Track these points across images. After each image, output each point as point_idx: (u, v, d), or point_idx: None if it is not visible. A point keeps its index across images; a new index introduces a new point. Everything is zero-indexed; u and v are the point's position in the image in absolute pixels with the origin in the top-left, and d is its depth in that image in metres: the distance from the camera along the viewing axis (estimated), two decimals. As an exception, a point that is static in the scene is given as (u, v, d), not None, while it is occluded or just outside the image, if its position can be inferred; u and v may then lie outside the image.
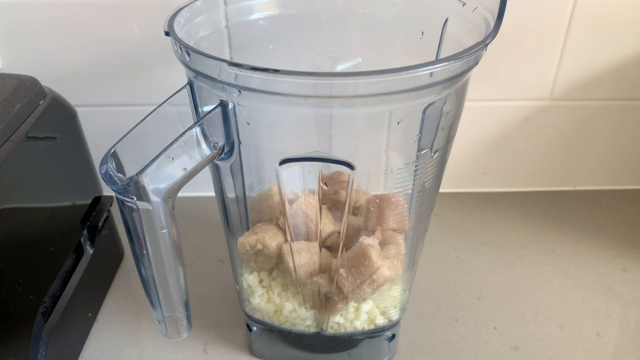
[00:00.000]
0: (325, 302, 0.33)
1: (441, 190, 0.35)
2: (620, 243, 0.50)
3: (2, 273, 0.31)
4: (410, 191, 0.31)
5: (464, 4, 0.30)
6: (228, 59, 0.32)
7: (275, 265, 0.35)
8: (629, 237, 0.51)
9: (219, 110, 0.26)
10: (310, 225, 0.31)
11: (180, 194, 0.27)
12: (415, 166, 0.29)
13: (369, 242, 0.30)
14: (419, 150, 0.28)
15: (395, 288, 0.35)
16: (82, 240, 0.41)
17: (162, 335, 0.31)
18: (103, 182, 0.25)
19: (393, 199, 0.31)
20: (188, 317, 0.31)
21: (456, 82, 0.26)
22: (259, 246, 0.33)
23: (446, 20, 0.31)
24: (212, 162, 0.28)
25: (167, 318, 0.30)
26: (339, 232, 0.32)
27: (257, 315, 0.36)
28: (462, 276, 0.47)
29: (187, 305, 0.30)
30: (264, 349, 0.39)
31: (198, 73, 0.26)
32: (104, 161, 0.25)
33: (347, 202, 0.29)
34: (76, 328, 0.40)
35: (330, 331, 0.35)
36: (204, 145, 0.26)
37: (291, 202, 0.30)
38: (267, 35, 0.36)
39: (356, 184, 0.28)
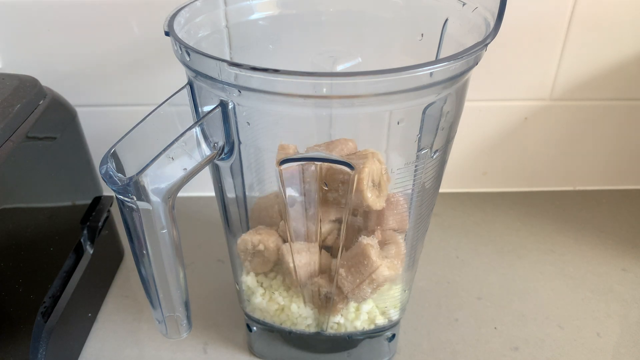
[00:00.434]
0: (325, 302, 0.33)
1: (441, 190, 0.35)
2: (620, 243, 0.50)
3: (2, 273, 0.31)
4: (410, 191, 0.31)
5: (464, 4, 0.30)
6: (228, 59, 0.32)
7: (270, 268, 0.35)
8: (629, 237, 0.51)
9: (219, 110, 0.26)
10: (310, 226, 0.31)
11: (180, 194, 0.27)
12: (415, 166, 0.29)
13: (368, 241, 0.30)
14: (419, 150, 0.28)
15: (395, 288, 0.35)
16: (82, 240, 0.41)
17: (162, 335, 0.31)
18: (103, 182, 0.25)
19: (393, 199, 0.31)
20: (188, 317, 0.31)
21: (456, 82, 0.26)
22: (261, 247, 0.33)
23: (446, 20, 0.31)
24: (212, 162, 0.28)
25: (167, 318, 0.30)
26: (338, 232, 0.32)
27: (257, 315, 0.36)
28: (462, 276, 0.47)
29: (187, 305, 0.30)
30: (264, 349, 0.39)
31: (198, 73, 0.26)
32: (104, 161, 0.25)
33: (347, 202, 0.29)
34: (76, 328, 0.40)
35: (330, 331, 0.35)
36: (204, 145, 0.26)
37: (291, 202, 0.30)
38: (267, 35, 0.36)
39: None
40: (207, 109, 0.27)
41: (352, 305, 0.34)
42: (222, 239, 0.36)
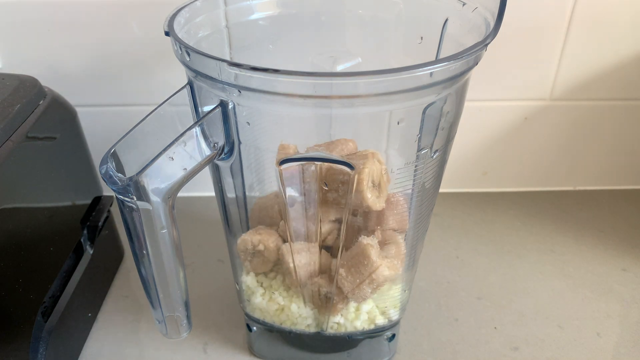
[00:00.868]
0: (325, 302, 0.33)
1: (441, 190, 0.35)
2: (620, 243, 0.50)
3: (2, 273, 0.31)
4: (410, 191, 0.31)
5: (464, 4, 0.30)
6: (228, 59, 0.32)
7: (270, 268, 0.35)
8: (629, 237, 0.51)
9: (219, 110, 0.26)
10: (310, 226, 0.31)
11: (180, 194, 0.27)
12: (415, 166, 0.29)
13: (368, 241, 0.30)
14: (419, 150, 0.28)
15: (395, 288, 0.35)
16: (82, 240, 0.41)
17: (162, 335, 0.31)
18: (103, 182, 0.25)
19: (393, 199, 0.31)
20: (188, 317, 0.31)
21: (456, 82, 0.26)
22: (261, 247, 0.33)
23: (446, 20, 0.31)
24: (212, 162, 0.28)
25: (167, 318, 0.30)
26: (338, 232, 0.32)
27: (257, 315, 0.36)
28: (462, 276, 0.47)
29: (187, 305, 0.30)
30: (264, 349, 0.39)
31: (198, 73, 0.26)
32: (104, 161, 0.25)
33: (347, 202, 0.29)
34: (76, 328, 0.40)
35: (330, 331, 0.35)
36: (204, 145, 0.26)
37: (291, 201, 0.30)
38: (267, 35, 0.36)
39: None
40: (207, 109, 0.27)
41: (352, 305, 0.34)
42: (222, 239, 0.37)
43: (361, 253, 0.30)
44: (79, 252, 0.41)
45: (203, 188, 0.56)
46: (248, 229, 0.34)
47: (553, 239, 0.51)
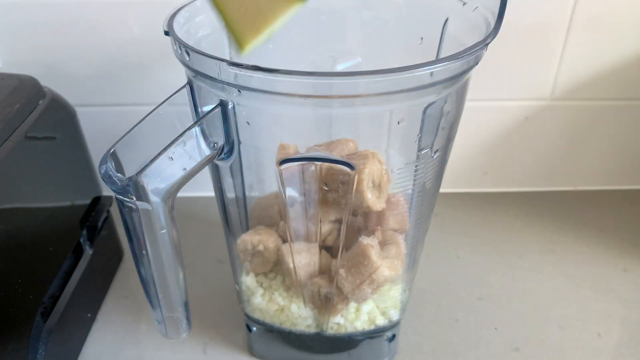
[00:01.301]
0: (325, 303, 0.33)
1: (441, 190, 0.35)
2: (620, 243, 0.50)
3: (2, 273, 0.31)
4: (410, 191, 0.31)
5: (464, 4, 0.30)
6: (228, 59, 0.32)
7: (270, 269, 0.35)
8: (629, 237, 0.51)
9: (218, 110, 0.26)
10: (310, 226, 0.31)
11: (180, 194, 0.27)
12: (416, 166, 0.29)
13: (368, 241, 0.30)
14: (419, 150, 0.28)
15: (396, 288, 0.35)
16: (81, 240, 0.41)
17: (162, 336, 0.31)
18: (102, 182, 0.25)
19: (393, 199, 0.31)
20: (188, 318, 0.30)
21: (456, 82, 0.26)
22: (260, 247, 0.33)
23: (446, 19, 0.31)
24: (212, 162, 0.28)
25: (167, 318, 0.30)
26: (338, 232, 0.32)
27: (257, 316, 0.36)
28: (462, 276, 0.47)
29: (186, 305, 0.30)
30: (264, 350, 0.39)
31: (198, 73, 0.26)
32: (103, 161, 0.25)
33: (347, 202, 0.28)
34: (76, 328, 0.40)
35: (330, 331, 0.35)
36: (203, 145, 0.26)
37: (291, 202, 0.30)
38: (267, 35, 0.36)
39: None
40: (207, 108, 0.27)
41: (353, 305, 0.34)
42: (222, 239, 0.36)
43: (361, 253, 0.30)
44: (78, 252, 0.41)
45: (203, 188, 0.56)
46: (248, 229, 0.34)
47: (553, 239, 0.51)
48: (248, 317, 0.38)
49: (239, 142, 0.28)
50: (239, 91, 0.25)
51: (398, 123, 0.27)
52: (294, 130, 0.29)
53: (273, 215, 0.34)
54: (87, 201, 0.42)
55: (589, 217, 0.53)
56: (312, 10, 0.36)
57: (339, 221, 0.32)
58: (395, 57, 0.36)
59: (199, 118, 0.26)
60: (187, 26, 0.30)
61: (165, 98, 0.28)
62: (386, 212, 0.31)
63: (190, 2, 0.31)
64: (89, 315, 0.42)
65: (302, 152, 0.28)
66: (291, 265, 0.32)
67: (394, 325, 0.37)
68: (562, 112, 0.52)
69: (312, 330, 0.35)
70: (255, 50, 0.36)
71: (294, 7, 0.23)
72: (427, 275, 0.47)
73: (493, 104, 0.52)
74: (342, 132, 0.30)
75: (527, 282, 0.46)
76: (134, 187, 0.24)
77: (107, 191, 0.41)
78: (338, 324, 0.34)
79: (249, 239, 0.33)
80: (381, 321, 0.35)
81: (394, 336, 0.38)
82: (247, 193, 0.33)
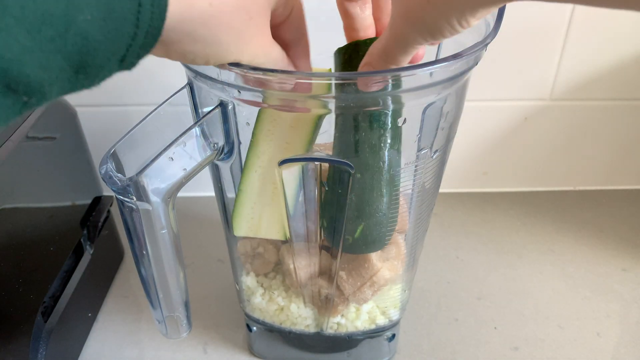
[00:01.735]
0: (325, 303, 0.33)
1: (441, 190, 0.35)
2: (620, 243, 0.50)
3: (2, 273, 0.31)
4: (410, 191, 0.31)
5: (463, 4, 0.30)
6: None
7: (271, 269, 0.35)
8: (629, 237, 0.51)
9: (218, 110, 0.26)
10: (310, 226, 0.31)
11: (180, 194, 0.27)
12: (415, 166, 0.29)
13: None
14: (419, 150, 0.28)
15: (395, 288, 0.35)
16: (82, 240, 0.41)
17: (162, 335, 0.31)
18: (103, 182, 0.25)
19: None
20: (188, 317, 0.30)
21: (456, 82, 0.26)
22: (261, 249, 0.33)
23: (446, 20, 0.31)
24: (212, 162, 0.28)
25: (167, 318, 0.30)
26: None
27: (257, 315, 0.36)
28: (462, 276, 0.47)
29: (187, 305, 0.30)
30: (264, 349, 0.39)
31: (198, 73, 0.26)
32: (103, 161, 0.25)
33: (347, 202, 0.28)
34: (76, 328, 0.40)
35: (330, 331, 0.35)
36: (204, 146, 0.26)
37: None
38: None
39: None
40: (207, 109, 0.27)
41: (353, 305, 0.34)
42: (222, 239, 0.36)
43: (362, 256, 0.30)
44: (79, 252, 0.41)
45: (203, 188, 0.56)
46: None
47: (553, 239, 0.51)
48: (248, 316, 0.38)
49: (239, 142, 0.28)
50: (239, 91, 0.25)
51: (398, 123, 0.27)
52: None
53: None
54: (88, 201, 0.43)
55: (589, 217, 0.54)
56: (312, 11, 0.36)
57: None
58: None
59: (199, 118, 0.26)
60: (187, 26, 0.30)
61: (165, 98, 0.28)
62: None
63: (191, 3, 0.31)
64: (90, 314, 0.42)
65: (303, 153, 0.28)
66: (291, 265, 0.32)
67: (393, 324, 0.37)
68: (561, 112, 0.52)
69: (312, 329, 0.35)
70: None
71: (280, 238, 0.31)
72: (426, 275, 0.47)
73: (493, 104, 0.52)
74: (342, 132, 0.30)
75: (526, 282, 0.46)
76: (135, 187, 0.24)
77: (107, 191, 0.41)
78: (338, 323, 0.34)
79: (249, 242, 0.33)
80: (381, 320, 0.35)
81: (393, 335, 0.38)
82: (247, 193, 0.33)
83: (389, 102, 0.25)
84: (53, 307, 0.36)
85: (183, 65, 0.27)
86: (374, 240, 0.30)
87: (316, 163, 0.28)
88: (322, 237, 0.31)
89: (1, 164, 0.31)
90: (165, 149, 0.25)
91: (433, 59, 0.30)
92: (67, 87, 0.17)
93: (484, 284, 0.46)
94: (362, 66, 0.24)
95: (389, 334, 0.37)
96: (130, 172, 0.25)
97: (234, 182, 0.32)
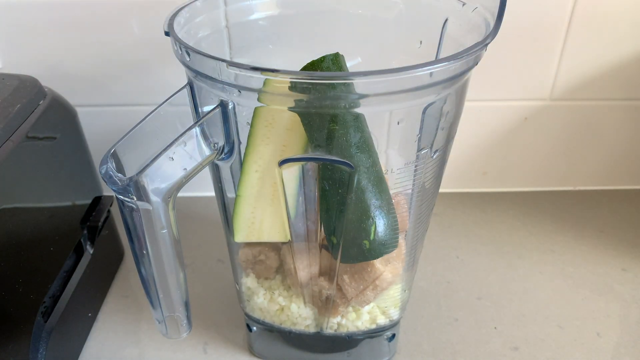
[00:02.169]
0: (326, 304, 0.33)
1: (441, 190, 0.35)
2: (620, 243, 0.50)
3: (2, 273, 0.31)
4: (410, 191, 0.31)
5: (463, 4, 0.30)
6: (228, 59, 0.32)
7: (273, 271, 0.35)
8: (629, 237, 0.51)
9: (219, 110, 0.26)
10: (310, 225, 0.31)
11: (180, 194, 0.27)
12: (415, 166, 0.29)
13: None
14: (419, 150, 0.28)
15: (396, 288, 0.35)
16: (82, 240, 0.41)
17: (162, 335, 0.31)
18: (103, 182, 0.25)
19: (393, 199, 0.31)
20: (188, 317, 0.31)
21: (456, 82, 0.26)
22: (262, 257, 0.33)
23: (446, 20, 0.31)
24: (212, 162, 0.28)
25: (167, 318, 0.30)
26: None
27: (257, 315, 0.36)
28: (462, 276, 0.47)
29: (187, 305, 0.30)
30: (264, 349, 0.39)
31: (198, 73, 0.26)
32: (104, 161, 0.25)
33: (347, 202, 0.28)
34: (76, 328, 0.40)
35: (330, 331, 0.35)
36: (203, 145, 0.26)
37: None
38: (267, 35, 0.36)
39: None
40: (207, 109, 0.27)
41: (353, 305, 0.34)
42: (222, 239, 0.36)
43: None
44: (79, 252, 0.41)
45: (203, 188, 0.56)
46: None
47: (553, 239, 0.51)
48: (248, 316, 0.38)
49: (239, 142, 0.28)
50: (239, 91, 0.25)
51: (398, 123, 0.27)
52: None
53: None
54: (88, 201, 0.43)
55: (589, 217, 0.54)
56: (312, 11, 0.36)
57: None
58: (395, 58, 0.36)
59: (200, 118, 0.26)
60: (187, 26, 0.30)
61: (165, 98, 0.28)
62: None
63: (191, 3, 0.31)
64: (90, 314, 0.42)
65: (303, 153, 0.28)
66: (292, 265, 0.32)
67: (393, 324, 0.37)
68: (561, 112, 0.52)
69: (312, 329, 0.35)
70: (255, 51, 0.37)
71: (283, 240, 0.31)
72: (427, 274, 0.47)
73: (493, 104, 0.52)
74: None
75: (526, 282, 0.46)
76: (135, 187, 0.24)
77: (107, 191, 0.41)
78: (339, 323, 0.34)
79: (249, 251, 0.33)
80: (381, 320, 0.35)
81: (393, 335, 0.38)
82: (247, 193, 0.33)
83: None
84: (53, 307, 0.36)
85: (183, 65, 0.27)
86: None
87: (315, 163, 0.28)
88: (323, 237, 0.31)
89: (1, 164, 0.31)
90: (165, 149, 0.25)
91: (433, 59, 0.31)
92: None
93: (484, 284, 0.46)
94: None
95: (389, 333, 0.37)
96: (130, 172, 0.25)
97: (234, 182, 0.32)
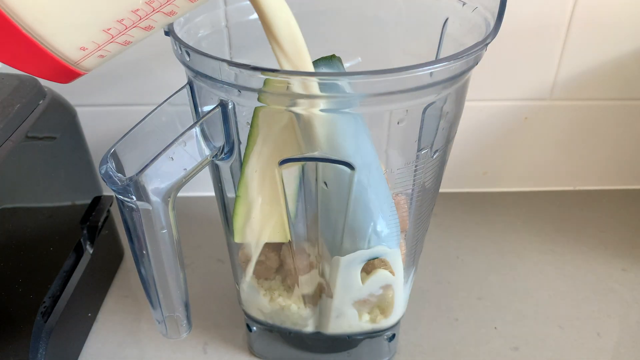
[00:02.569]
0: (326, 304, 0.33)
1: (441, 190, 0.35)
2: (620, 243, 0.50)
3: (2, 273, 0.31)
4: (410, 191, 0.31)
5: (464, 4, 0.30)
6: (228, 58, 0.32)
7: (273, 271, 0.35)
8: (629, 237, 0.51)
9: (218, 110, 0.26)
10: (310, 225, 0.31)
11: (180, 194, 0.27)
12: (415, 166, 0.29)
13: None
14: (419, 150, 0.28)
15: (396, 288, 0.35)
16: (82, 240, 0.41)
17: (162, 336, 0.31)
18: (103, 182, 0.25)
19: (393, 199, 0.31)
20: (188, 317, 0.30)
21: (456, 82, 0.26)
22: (262, 257, 0.33)
23: (446, 20, 0.31)
24: (212, 162, 0.28)
25: (167, 318, 0.30)
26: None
27: (257, 315, 0.36)
28: (462, 276, 0.47)
29: (187, 305, 0.30)
30: (264, 349, 0.39)
31: (198, 73, 0.26)
32: (103, 161, 0.25)
33: (348, 202, 0.28)
34: (76, 328, 0.40)
35: (330, 331, 0.35)
36: (203, 145, 0.26)
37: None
38: (267, 35, 0.36)
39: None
40: (207, 109, 0.27)
41: (352, 305, 0.34)
42: (222, 239, 0.36)
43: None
44: (79, 252, 0.41)
45: (203, 188, 0.56)
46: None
47: (553, 239, 0.51)
48: (248, 316, 0.38)
49: (239, 142, 0.28)
50: (239, 91, 0.25)
51: (398, 123, 0.27)
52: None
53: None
54: (88, 201, 0.43)
55: (589, 217, 0.54)
56: (312, 11, 0.36)
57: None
58: (395, 57, 0.36)
59: (199, 118, 0.26)
60: (187, 26, 0.30)
61: (165, 98, 0.28)
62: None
63: (191, 3, 0.31)
64: (90, 314, 0.42)
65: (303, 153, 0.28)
66: (292, 265, 0.32)
67: (394, 324, 0.37)
68: (561, 112, 0.52)
69: (312, 329, 0.35)
70: (255, 50, 0.37)
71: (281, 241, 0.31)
72: (427, 274, 0.47)
73: (493, 104, 0.52)
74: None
75: (526, 282, 0.46)
76: (135, 187, 0.24)
77: (107, 191, 0.41)
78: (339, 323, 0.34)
79: (249, 252, 0.33)
80: (382, 320, 0.35)
81: (393, 335, 0.38)
82: (247, 193, 0.33)
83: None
84: (53, 307, 0.36)
85: (183, 65, 0.27)
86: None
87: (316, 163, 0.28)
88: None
89: (1, 164, 0.31)
90: (165, 149, 0.25)
91: (433, 58, 0.31)
92: None
93: (484, 284, 0.46)
94: None
95: (389, 334, 0.37)
96: (130, 172, 0.25)
97: (233, 182, 0.32)
